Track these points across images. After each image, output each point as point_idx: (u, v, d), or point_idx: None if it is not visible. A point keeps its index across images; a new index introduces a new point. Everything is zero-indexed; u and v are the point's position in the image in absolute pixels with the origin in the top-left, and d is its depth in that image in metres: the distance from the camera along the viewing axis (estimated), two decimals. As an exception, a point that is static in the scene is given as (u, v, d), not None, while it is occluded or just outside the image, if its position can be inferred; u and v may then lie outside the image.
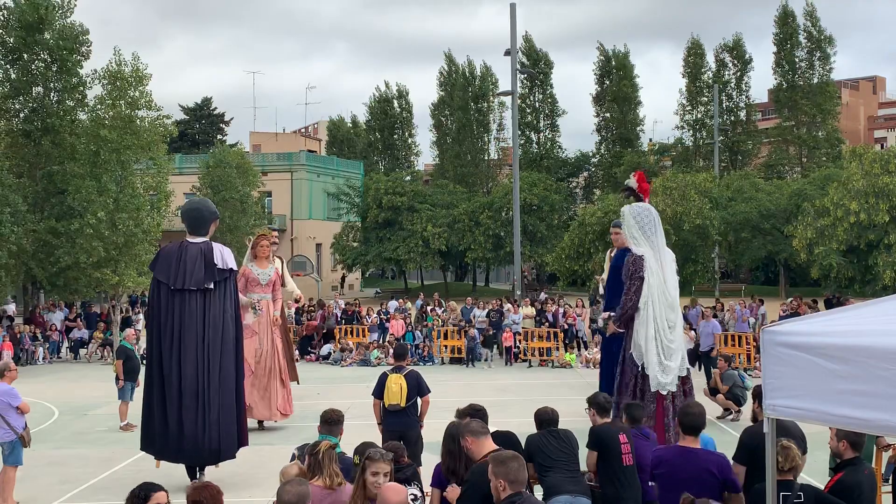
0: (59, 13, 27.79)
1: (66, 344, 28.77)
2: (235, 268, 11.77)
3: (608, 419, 8.11)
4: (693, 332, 21.77)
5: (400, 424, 10.17)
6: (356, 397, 18.20)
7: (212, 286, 11.22)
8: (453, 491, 6.57)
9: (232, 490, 10.51)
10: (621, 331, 11.33)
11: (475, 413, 7.90)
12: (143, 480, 5.53)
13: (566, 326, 26.61)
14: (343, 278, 61.80)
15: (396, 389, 10.20)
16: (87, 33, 28.20)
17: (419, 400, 10.44)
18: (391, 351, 25.24)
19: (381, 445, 7.39)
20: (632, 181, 12.28)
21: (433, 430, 10.73)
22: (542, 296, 35.30)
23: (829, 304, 30.08)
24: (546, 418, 7.97)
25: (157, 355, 11.12)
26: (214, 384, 11.03)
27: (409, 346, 24.06)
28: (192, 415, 10.89)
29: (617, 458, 7.67)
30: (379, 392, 10.38)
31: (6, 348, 24.48)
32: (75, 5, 28.31)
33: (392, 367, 10.72)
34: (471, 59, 67.50)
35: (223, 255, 11.47)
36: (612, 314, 11.48)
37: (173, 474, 11.28)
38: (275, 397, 15.78)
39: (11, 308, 29.64)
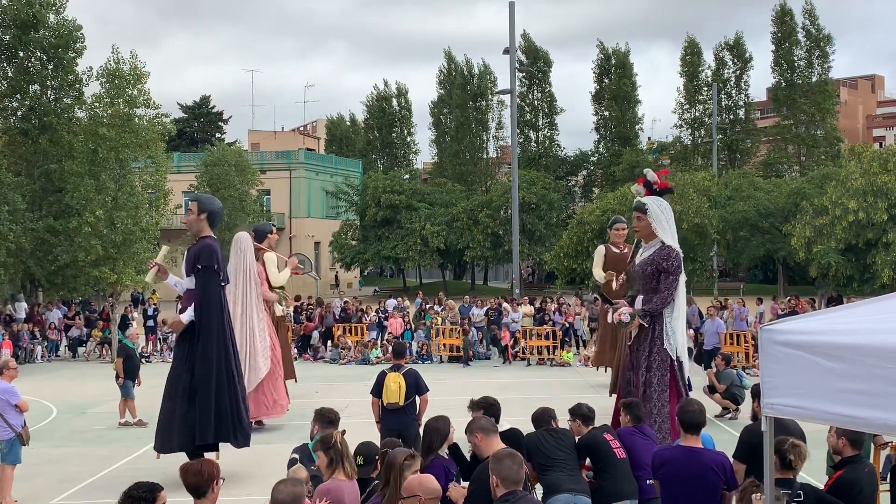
0: (52, 10, 27.78)
1: (64, 342, 28.79)
2: None
3: (593, 426, 8.16)
4: (691, 330, 21.78)
5: (398, 423, 10.15)
6: (354, 396, 18.22)
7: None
8: (458, 490, 6.57)
9: (230, 488, 10.51)
10: (646, 326, 10.96)
11: (489, 407, 7.92)
12: (142, 479, 5.49)
13: (566, 325, 26.59)
14: (336, 277, 61.56)
15: (395, 388, 10.19)
16: (80, 29, 28.17)
17: (418, 398, 10.43)
18: (390, 349, 25.33)
19: (379, 444, 7.41)
20: (652, 175, 12.05)
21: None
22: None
23: (831, 304, 30.10)
24: (541, 417, 8.02)
25: (231, 348, 11.45)
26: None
27: (407, 345, 24.08)
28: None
29: (608, 453, 7.78)
30: (377, 391, 10.37)
31: (5, 346, 24.50)
32: (67, 1, 28.34)
33: (390, 365, 10.72)
34: (468, 58, 67.48)
35: None
36: (637, 309, 11.06)
37: (169, 471, 11.27)
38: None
39: (22, 307, 29.63)
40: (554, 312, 27.02)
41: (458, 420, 8.07)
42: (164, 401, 11.26)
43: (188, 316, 11.17)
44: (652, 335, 10.85)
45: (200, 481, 5.37)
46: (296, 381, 18.93)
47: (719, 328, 21.83)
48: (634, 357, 11.02)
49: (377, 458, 6.85)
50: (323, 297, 35.39)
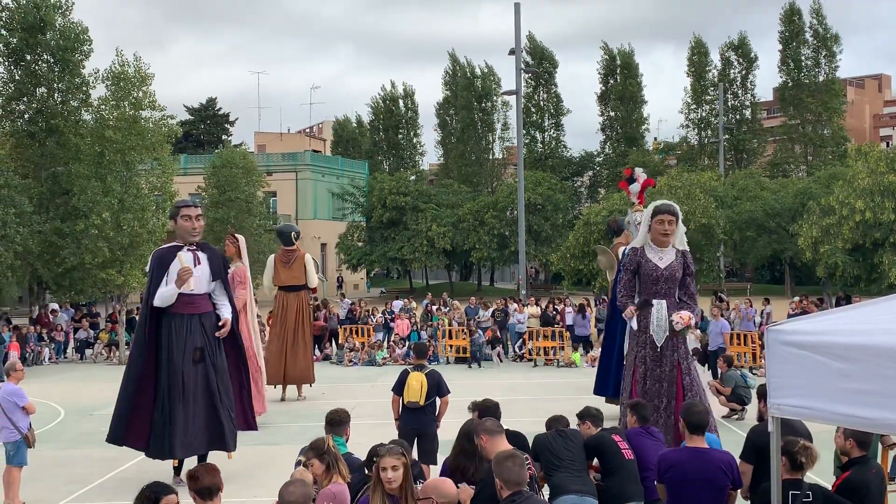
0: (59, 12, 27.89)
1: (71, 344, 28.87)
2: (146, 269, 11.72)
3: (602, 428, 8.18)
4: (698, 330, 21.71)
5: (417, 423, 10.21)
6: (361, 397, 18.23)
7: None
8: (466, 491, 6.58)
9: (236, 489, 10.53)
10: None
11: (487, 409, 7.93)
12: (150, 481, 5.54)
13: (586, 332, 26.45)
14: (338, 279, 61.10)
15: (416, 387, 10.21)
16: (87, 32, 28.27)
17: (438, 400, 10.46)
18: (396, 350, 25.35)
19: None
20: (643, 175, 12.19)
21: (448, 430, 10.75)
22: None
23: (840, 305, 30.02)
24: (556, 418, 8.05)
25: None
26: None
27: (428, 345, 24.10)
28: None
29: (616, 454, 7.77)
30: (399, 388, 10.40)
31: (13, 349, 24.58)
32: (73, 3, 28.44)
33: (413, 365, 10.78)
34: (469, 60, 67.65)
35: None
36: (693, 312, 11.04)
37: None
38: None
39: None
40: (583, 317, 26.58)
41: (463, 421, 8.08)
42: (188, 403, 11.06)
43: (229, 314, 11.51)
44: (684, 336, 10.92)
45: (216, 481, 5.43)
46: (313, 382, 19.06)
47: (723, 329, 21.74)
48: (667, 361, 10.81)
49: None
50: (329, 298, 35.42)
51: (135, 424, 11.13)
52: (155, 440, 11.04)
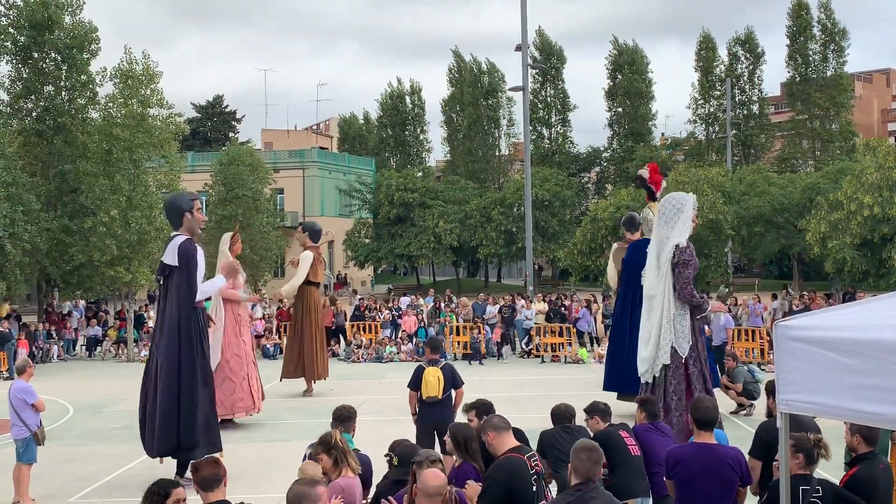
0: (67, 11, 27.95)
1: (80, 341, 28.96)
2: (175, 262, 11.20)
3: (610, 423, 8.19)
4: (706, 326, 21.66)
5: (436, 416, 10.36)
6: (369, 393, 18.26)
7: (161, 280, 11.53)
8: (472, 488, 6.57)
9: (245, 486, 10.55)
10: None
11: (483, 408, 7.94)
12: (158, 478, 5.58)
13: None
14: (341, 276, 60.66)
15: (434, 382, 10.39)
16: (96, 31, 28.32)
17: (453, 392, 10.64)
18: (403, 347, 25.39)
19: (415, 437, 7.45)
20: (644, 171, 12.16)
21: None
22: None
23: (846, 299, 29.93)
24: (561, 413, 8.03)
25: None
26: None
27: (442, 340, 24.22)
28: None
29: (623, 450, 7.76)
30: (415, 384, 10.56)
31: (21, 346, 24.66)
32: (84, 3, 28.51)
33: (427, 360, 10.87)
34: (475, 56, 67.46)
35: (169, 250, 11.45)
36: None
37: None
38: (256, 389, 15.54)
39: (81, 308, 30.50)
40: (590, 312, 26.70)
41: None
42: (206, 390, 11.18)
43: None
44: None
45: (217, 472, 5.46)
46: (326, 378, 19.08)
47: (727, 324, 21.70)
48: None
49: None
50: (335, 295, 35.44)
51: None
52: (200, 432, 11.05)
